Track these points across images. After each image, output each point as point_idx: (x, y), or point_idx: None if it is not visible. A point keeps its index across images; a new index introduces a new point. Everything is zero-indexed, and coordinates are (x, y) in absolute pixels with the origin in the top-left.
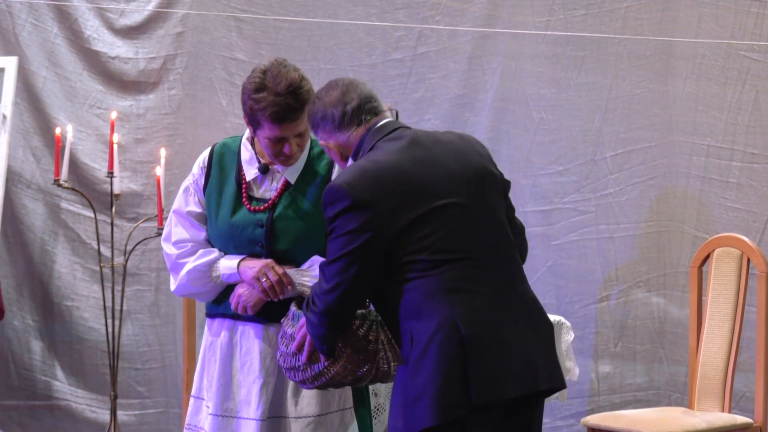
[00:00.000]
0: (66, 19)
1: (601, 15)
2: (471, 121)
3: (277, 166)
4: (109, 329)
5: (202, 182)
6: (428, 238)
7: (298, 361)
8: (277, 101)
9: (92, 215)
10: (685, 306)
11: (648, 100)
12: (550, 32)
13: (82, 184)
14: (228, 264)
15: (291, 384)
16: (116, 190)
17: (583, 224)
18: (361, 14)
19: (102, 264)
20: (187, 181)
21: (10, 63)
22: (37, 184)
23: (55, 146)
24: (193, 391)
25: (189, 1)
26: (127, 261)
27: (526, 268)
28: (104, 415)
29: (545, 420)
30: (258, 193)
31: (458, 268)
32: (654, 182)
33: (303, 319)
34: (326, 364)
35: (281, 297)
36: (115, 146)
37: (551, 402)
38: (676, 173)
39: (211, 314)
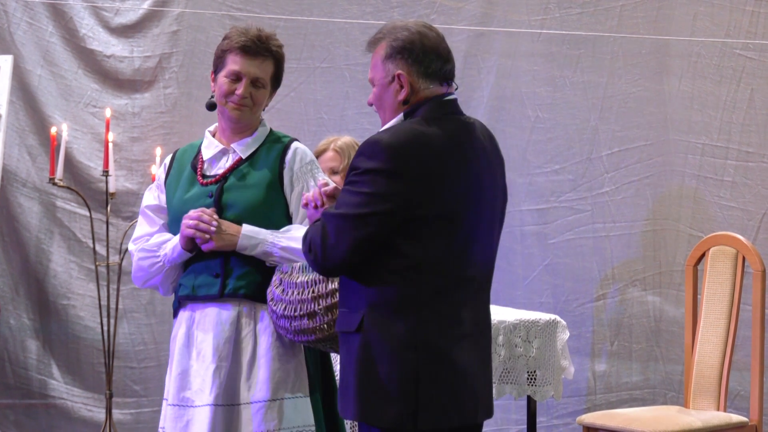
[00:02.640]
0: (61, 17)
1: (597, 13)
2: None
3: (232, 145)
4: (105, 328)
5: (163, 177)
6: (432, 240)
7: (316, 305)
8: (247, 36)
9: (88, 214)
10: (680, 305)
11: (643, 98)
12: (545, 31)
13: (78, 183)
14: (174, 241)
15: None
16: (112, 188)
17: (579, 223)
18: (356, 13)
19: (97, 263)
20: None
21: (5, 61)
22: (33, 183)
23: (51, 145)
24: (165, 394)
25: (184, 0)
26: (122, 259)
27: (523, 266)
28: (100, 414)
29: (541, 419)
30: (211, 171)
31: (441, 284)
32: (649, 181)
33: None
34: None
35: (212, 226)
36: (111, 145)
37: (547, 401)
38: (672, 172)
39: (174, 311)
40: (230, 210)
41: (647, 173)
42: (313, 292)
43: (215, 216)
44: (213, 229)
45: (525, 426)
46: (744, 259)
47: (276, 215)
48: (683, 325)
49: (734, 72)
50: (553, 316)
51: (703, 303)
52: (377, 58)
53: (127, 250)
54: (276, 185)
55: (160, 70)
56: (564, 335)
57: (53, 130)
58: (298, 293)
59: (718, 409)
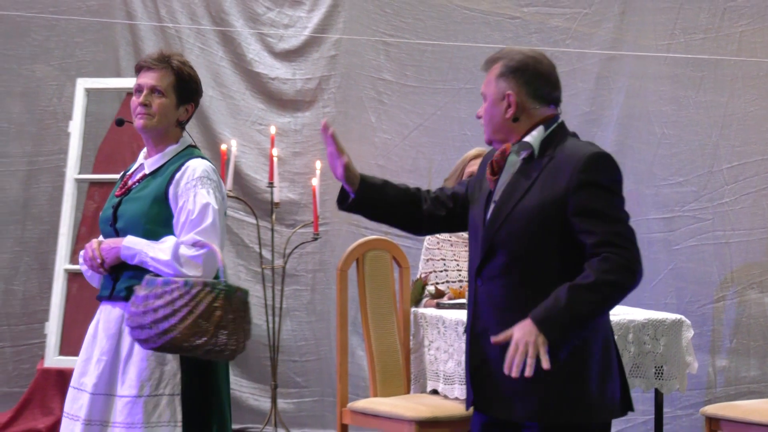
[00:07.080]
0: (230, 43)
1: (719, 39)
2: (598, 136)
3: (144, 161)
4: (270, 325)
5: None
6: None
7: (145, 319)
8: (146, 57)
9: (254, 222)
10: None
11: (761, 116)
12: (671, 54)
13: (246, 194)
14: None
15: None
16: (276, 198)
17: (702, 230)
18: (497, 38)
19: (263, 266)
20: None
21: None
22: None
23: (221, 159)
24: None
25: (342, 27)
26: (285, 263)
27: (650, 270)
28: (266, 403)
29: (666, 410)
30: (129, 184)
31: None
32: (767, 192)
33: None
34: (173, 322)
35: (96, 260)
36: (275, 159)
37: (672, 393)
38: None
39: None
40: (119, 220)
41: (765, 185)
42: (144, 305)
43: (95, 246)
44: (98, 261)
45: (651, 416)
46: None
47: (158, 227)
48: None
49: None
50: (678, 316)
51: None
52: (491, 76)
53: (289, 254)
54: (162, 198)
55: (319, 91)
56: (688, 333)
57: (223, 146)
58: (135, 306)
59: None
